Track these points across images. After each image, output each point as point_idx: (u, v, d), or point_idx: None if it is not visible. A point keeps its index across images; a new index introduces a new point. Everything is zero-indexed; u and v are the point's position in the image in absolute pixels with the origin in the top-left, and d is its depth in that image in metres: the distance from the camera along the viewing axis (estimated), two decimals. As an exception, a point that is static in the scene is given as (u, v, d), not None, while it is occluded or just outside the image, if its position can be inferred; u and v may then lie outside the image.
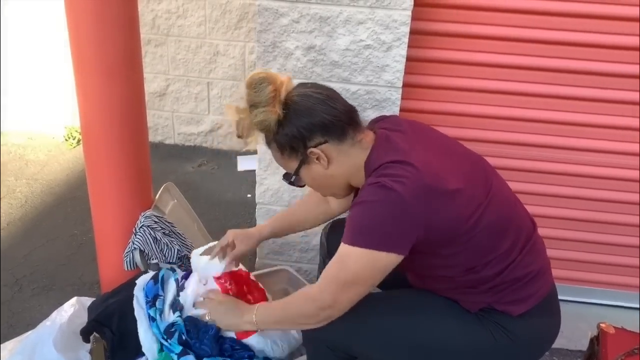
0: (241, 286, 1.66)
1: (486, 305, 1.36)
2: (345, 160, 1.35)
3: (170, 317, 1.59)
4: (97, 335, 1.63)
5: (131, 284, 1.70)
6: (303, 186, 1.45)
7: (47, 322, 1.78)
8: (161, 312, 1.61)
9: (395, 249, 1.24)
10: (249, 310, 1.48)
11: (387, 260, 1.25)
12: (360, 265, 1.26)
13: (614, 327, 1.61)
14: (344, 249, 1.27)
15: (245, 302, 1.60)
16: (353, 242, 1.25)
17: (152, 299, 1.63)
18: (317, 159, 1.34)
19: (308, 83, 1.40)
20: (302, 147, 1.33)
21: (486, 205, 1.31)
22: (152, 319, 1.58)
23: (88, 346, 1.67)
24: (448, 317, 1.38)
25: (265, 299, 1.73)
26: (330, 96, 1.35)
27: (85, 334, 1.65)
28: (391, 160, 1.28)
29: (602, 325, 1.62)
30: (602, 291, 2.25)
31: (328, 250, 1.69)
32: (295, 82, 1.39)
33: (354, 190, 1.44)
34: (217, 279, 1.62)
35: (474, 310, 1.37)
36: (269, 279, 2.00)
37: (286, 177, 1.43)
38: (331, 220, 1.75)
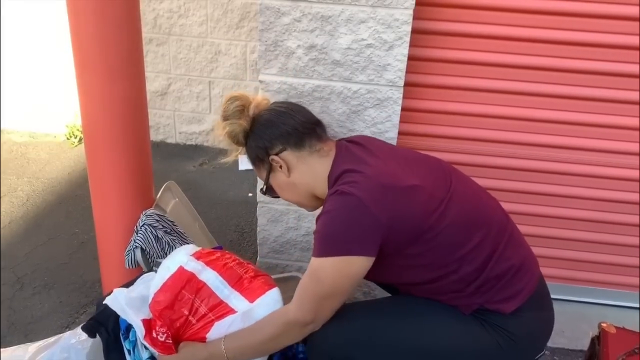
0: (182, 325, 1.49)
1: (478, 307, 1.36)
2: (305, 169, 1.42)
3: (145, 353, 1.50)
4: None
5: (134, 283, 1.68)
6: (277, 197, 1.53)
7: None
8: (134, 344, 1.53)
9: (363, 252, 1.26)
10: (212, 345, 1.42)
11: (358, 265, 1.27)
12: (334, 276, 1.28)
13: (615, 326, 1.61)
14: (315, 262, 1.29)
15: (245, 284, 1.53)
16: (321, 254, 1.28)
17: (125, 330, 1.55)
18: (280, 167, 1.42)
19: (281, 102, 1.53)
20: (266, 155, 1.43)
21: (448, 200, 1.32)
22: (128, 351, 1.54)
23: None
24: (450, 320, 1.38)
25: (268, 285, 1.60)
26: (292, 109, 1.46)
27: (87, 330, 1.64)
28: (348, 168, 1.34)
29: (603, 325, 1.62)
30: (603, 291, 2.25)
31: None
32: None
33: (322, 203, 1.45)
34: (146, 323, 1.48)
35: (467, 313, 1.37)
36: (279, 285, 1.98)
37: (261, 187, 1.53)
38: None
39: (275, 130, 1.42)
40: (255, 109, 1.45)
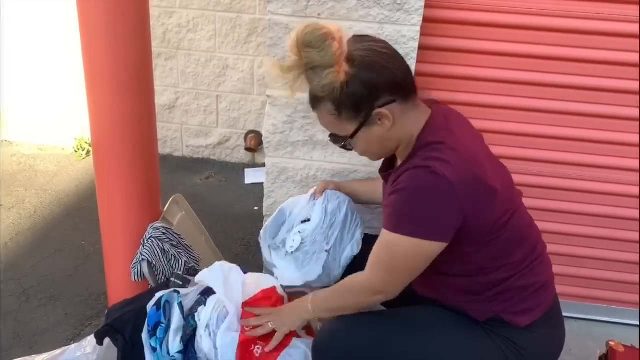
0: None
1: (493, 315, 1.35)
2: (404, 124, 1.27)
3: (175, 344, 1.54)
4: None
5: (151, 294, 1.67)
6: (349, 149, 1.35)
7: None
8: (162, 341, 1.55)
9: (443, 239, 1.23)
10: (302, 300, 1.49)
11: (434, 250, 1.23)
12: (408, 254, 1.25)
13: (623, 345, 1.60)
14: (390, 236, 1.25)
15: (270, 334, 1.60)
16: (400, 230, 1.22)
17: (153, 328, 1.58)
18: (381, 119, 1.25)
19: (365, 36, 1.29)
20: (368, 107, 1.23)
21: (513, 212, 1.31)
22: (153, 349, 1.55)
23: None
24: (457, 332, 1.37)
25: None
26: (396, 52, 1.27)
27: (99, 337, 1.64)
28: (441, 141, 1.23)
29: (612, 343, 1.61)
30: (609, 308, 2.23)
31: None
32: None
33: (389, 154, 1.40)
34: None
35: (481, 320, 1.36)
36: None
37: (336, 140, 1.33)
38: None
39: (386, 76, 1.22)
40: (347, 47, 1.20)
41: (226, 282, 1.58)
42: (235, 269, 1.64)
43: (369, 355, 1.38)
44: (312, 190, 1.78)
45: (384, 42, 1.28)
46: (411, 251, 1.24)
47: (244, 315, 1.54)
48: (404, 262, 1.27)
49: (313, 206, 1.72)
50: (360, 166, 1.93)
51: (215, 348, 1.49)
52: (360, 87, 1.20)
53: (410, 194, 1.20)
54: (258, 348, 1.52)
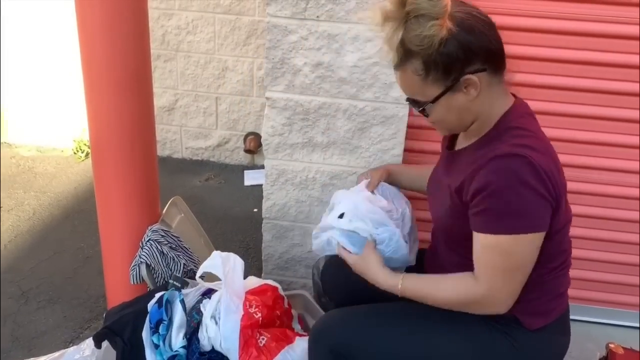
0: (272, 310, 1.66)
1: (510, 314, 1.29)
2: (488, 98, 1.23)
3: (179, 340, 1.57)
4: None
5: (149, 296, 1.69)
6: (424, 115, 1.28)
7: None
8: (164, 338, 1.57)
9: (546, 227, 1.19)
10: (394, 276, 1.35)
11: (540, 240, 1.19)
12: (525, 252, 1.19)
13: (623, 347, 1.59)
14: (503, 239, 1.17)
15: (276, 328, 1.61)
16: (513, 230, 1.16)
17: (155, 325, 1.59)
18: (467, 87, 1.20)
19: (464, 2, 1.23)
20: (459, 70, 1.17)
21: (567, 222, 1.29)
22: (155, 346, 1.56)
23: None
24: (457, 337, 1.35)
25: (291, 322, 1.74)
26: (494, 23, 1.21)
27: (97, 340, 1.64)
28: (529, 129, 1.21)
29: (611, 345, 1.60)
30: (611, 311, 2.23)
31: (324, 289, 1.68)
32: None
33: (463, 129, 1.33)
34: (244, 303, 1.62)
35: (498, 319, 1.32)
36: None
37: (416, 104, 1.26)
38: (324, 259, 1.72)
39: (483, 43, 1.17)
40: (450, 6, 1.13)
41: (225, 267, 1.59)
42: (233, 255, 1.65)
43: (365, 342, 1.36)
44: (363, 183, 1.60)
45: (483, 12, 1.23)
46: (528, 247, 1.19)
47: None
48: (520, 261, 1.20)
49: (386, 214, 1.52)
50: (359, 168, 1.93)
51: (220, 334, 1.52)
52: (457, 48, 1.15)
53: (515, 189, 1.14)
54: (263, 338, 1.53)
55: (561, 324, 1.38)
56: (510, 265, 1.20)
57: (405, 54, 1.19)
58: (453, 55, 1.15)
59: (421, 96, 1.23)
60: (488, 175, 1.16)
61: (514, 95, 1.31)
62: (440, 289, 1.31)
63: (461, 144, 1.38)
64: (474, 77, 1.18)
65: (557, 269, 1.32)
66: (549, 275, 1.31)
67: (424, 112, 1.27)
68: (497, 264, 1.20)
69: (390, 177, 1.67)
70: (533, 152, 1.14)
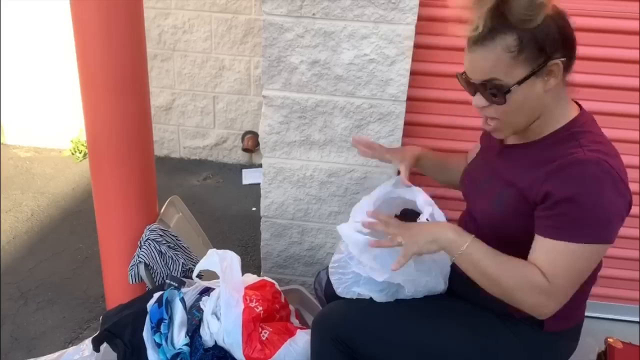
0: (272, 304, 1.66)
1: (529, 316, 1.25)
2: (556, 92, 1.18)
3: (181, 338, 1.57)
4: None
5: (148, 297, 1.68)
6: (500, 104, 1.18)
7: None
8: (166, 336, 1.58)
9: (614, 240, 1.16)
10: (463, 233, 1.23)
11: (605, 251, 1.18)
12: (588, 260, 1.16)
13: (622, 342, 1.59)
14: (574, 247, 1.13)
15: (276, 322, 1.61)
16: (592, 239, 1.13)
17: (156, 324, 1.59)
18: (549, 74, 1.14)
19: None
20: (550, 53, 1.12)
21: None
22: (158, 345, 1.56)
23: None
24: (466, 321, 1.34)
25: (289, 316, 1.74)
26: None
27: (96, 343, 1.64)
28: (602, 134, 1.19)
29: (610, 340, 1.60)
30: (610, 305, 2.23)
31: (327, 298, 1.66)
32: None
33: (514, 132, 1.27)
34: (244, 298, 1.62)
35: (518, 317, 1.29)
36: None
37: (493, 87, 1.16)
38: (326, 274, 1.66)
39: (572, 35, 1.14)
40: None
41: (223, 263, 1.60)
42: (230, 252, 1.66)
43: (367, 332, 1.36)
44: (393, 180, 1.52)
45: None
46: (596, 257, 1.17)
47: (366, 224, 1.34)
48: (587, 270, 1.19)
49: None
50: (357, 166, 1.93)
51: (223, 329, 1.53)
52: (555, 29, 1.11)
53: (595, 197, 1.11)
54: (265, 332, 1.53)
55: (575, 331, 1.39)
56: (576, 272, 1.17)
57: (499, 25, 1.10)
58: (550, 36, 1.10)
59: (505, 76, 1.13)
60: (569, 180, 1.13)
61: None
62: (508, 267, 1.18)
63: (510, 139, 1.33)
64: (559, 63, 1.12)
65: (592, 277, 1.29)
66: (587, 285, 1.29)
67: (498, 99, 1.16)
68: (567, 264, 1.16)
69: (417, 164, 1.59)
70: (613, 161, 1.12)
